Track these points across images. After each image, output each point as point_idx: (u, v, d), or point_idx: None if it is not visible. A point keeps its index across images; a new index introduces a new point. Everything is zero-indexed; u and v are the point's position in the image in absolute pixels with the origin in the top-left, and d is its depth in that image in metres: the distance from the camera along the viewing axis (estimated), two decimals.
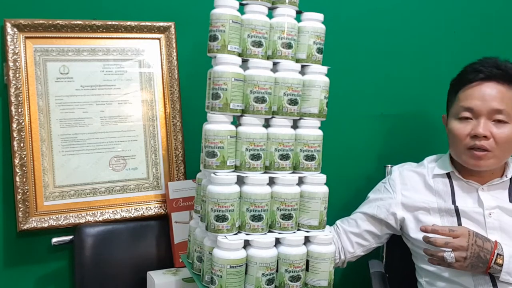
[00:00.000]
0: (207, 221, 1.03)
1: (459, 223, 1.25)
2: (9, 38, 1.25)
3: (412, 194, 1.31)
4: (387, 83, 1.66)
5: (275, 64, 1.08)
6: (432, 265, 1.22)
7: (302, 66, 1.09)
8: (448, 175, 1.31)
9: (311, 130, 1.08)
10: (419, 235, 1.26)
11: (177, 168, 1.40)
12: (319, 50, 1.10)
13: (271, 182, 1.06)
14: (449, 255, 1.13)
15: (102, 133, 1.34)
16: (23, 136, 1.26)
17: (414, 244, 1.31)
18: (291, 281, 1.03)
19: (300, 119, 1.09)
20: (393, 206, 1.31)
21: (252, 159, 1.04)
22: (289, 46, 1.07)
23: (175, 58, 1.40)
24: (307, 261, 1.05)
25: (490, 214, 1.24)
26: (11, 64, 1.25)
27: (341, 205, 1.63)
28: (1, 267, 1.31)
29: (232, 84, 1.02)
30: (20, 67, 1.26)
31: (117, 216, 1.33)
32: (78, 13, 1.33)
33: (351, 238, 1.33)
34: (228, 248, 0.99)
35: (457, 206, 1.26)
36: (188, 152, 1.41)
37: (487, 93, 1.21)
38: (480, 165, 1.23)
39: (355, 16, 1.61)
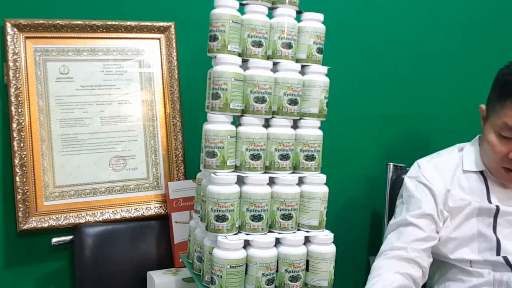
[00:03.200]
0: (207, 221, 1.03)
1: (494, 225, 1.19)
2: (9, 38, 1.25)
3: (449, 188, 1.21)
4: (387, 83, 1.66)
5: (275, 64, 1.08)
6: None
7: (302, 66, 1.09)
8: (481, 172, 1.23)
9: (311, 130, 1.08)
10: (447, 232, 1.19)
11: (177, 168, 1.40)
12: (319, 50, 1.10)
13: (271, 182, 1.05)
14: None
15: (102, 133, 1.33)
16: (23, 136, 1.26)
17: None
18: (291, 281, 1.03)
19: (300, 119, 1.09)
20: (439, 202, 1.20)
21: (252, 159, 1.04)
22: (289, 46, 1.07)
23: (175, 58, 1.40)
24: (307, 261, 1.05)
25: None
26: (11, 64, 1.25)
27: (341, 205, 1.63)
28: (1, 267, 1.31)
29: (232, 84, 1.02)
30: (20, 67, 1.26)
31: (117, 216, 1.33)
32: (78, 13, 1.33)
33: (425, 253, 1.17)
34: (228, 248, 0.99)
35: (498, 206, 1.19)
36: (188, 152, 1.41)
37: None
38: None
39: (355, 16, 1.61)
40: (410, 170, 1.29)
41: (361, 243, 1.70)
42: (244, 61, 1.06)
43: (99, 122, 1.33)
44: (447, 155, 1.28)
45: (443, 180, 1.22)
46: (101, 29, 1.33)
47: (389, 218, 1.47)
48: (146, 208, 1.36)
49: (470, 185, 1.22)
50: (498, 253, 1.17)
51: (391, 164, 1.51)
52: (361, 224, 1.69)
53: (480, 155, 1.24)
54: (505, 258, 1.16)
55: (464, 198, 1.20)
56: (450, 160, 1.26)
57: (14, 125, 1.25)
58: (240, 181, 1.04)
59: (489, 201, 1.20)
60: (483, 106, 1.22)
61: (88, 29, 1.33)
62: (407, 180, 1.27)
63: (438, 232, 1.20)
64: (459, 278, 1.20)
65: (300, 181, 1.07)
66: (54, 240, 1.29)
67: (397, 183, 1.46)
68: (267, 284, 1.01)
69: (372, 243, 1.69)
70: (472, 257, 1.18)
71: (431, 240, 1.18)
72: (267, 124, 1.08)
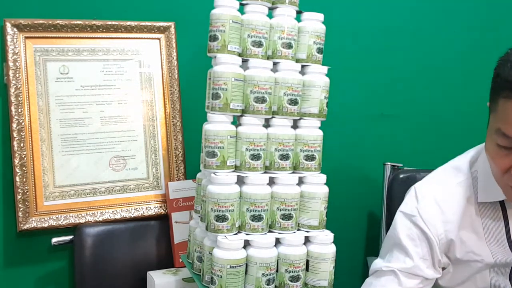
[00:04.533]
0: (207, 221, 1.03)
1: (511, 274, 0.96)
2: (9, 38, 1.25)
3: (453, 238, 0.96)
4: (387, 83, 1.66)
5: (275, 64, 1.08)
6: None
7: (302, 66, 1.09)
8: (501, 202, 0.97)
9: (311, 130, 1.08)
10: (450, 282, 1.00)
11: (177, 168, 1.40)
12: (319, 50, 1.10)
13: (271, 182, 1.05)
14: None
15: (102, 133, 1.33)
16: (23, 136, 1.26)
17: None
18: (291, 281, 1.03)
19: (300, 119, 1.09)
20: (436, 252, 0.96)
21: (252, 159, 1.04)
22: (289, 46, 1.07)
23: (175, 58, 1.40)
24: (307, 261, 1.05)
25: None
26: (11, 64, 1.25)
27: (341, 205, 1.63)
28: (1, 267, 1.31)
29: (232, 84, 1.02)
30: (20, 67, 1.26)
31: (117, 216, 1.33)
32: (78, 13, 1.33)
33: None
34: (228, 248, 0.99)
35: None
36: (188, 152, 1.41)
37: None
38: None
39: (355, 16, 1.61)
40: (406, 200, 1.02)
41: (358, 243, 1.70)
42: (244, 61, 1.06)
43: (99, 122, 1.33)
44: (455, 178, 1.00)
45: (447, 225, 0.96)
46: (101, 29, 1.33)
47: (387, 218, 1.47)
48: (146, 208, 1.36)
49: (485, 226, 0.97)
50: None
51: (388, 163, 1.51)
52: (359, 224, 1.69)
53: None
54: None
55: (476, 251, 0.96)
56: (459, 189, 0.98)
57: (14, 125, 1.25)
58: (240, 181, 1.04)
59: (510, 245, 0.96)
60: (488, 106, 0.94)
61: (88, 29, 1.33)
62: (399, 216, 1.00)
63: (426, 279, 0.98)
64: None
65: (300, 181, 1.07)
66: (54, 240, 1.29)
67: (394, 183, 1.45)
68: (267, 284, 1.01)
69: (370, 243, 1.69)
70: None
71: None
72: (267, 124, 1.08)
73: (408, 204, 1.00)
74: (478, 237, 0.97)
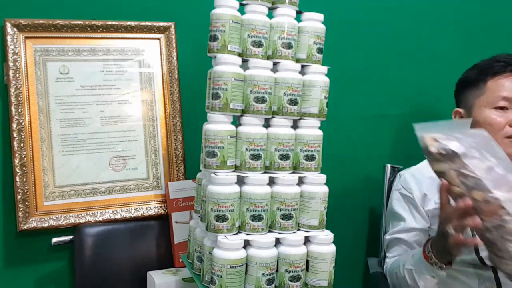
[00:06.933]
0: (207, 221, 1.03)
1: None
2: (9, 38, 1.26)
3: (426, 192, 1.28)
4: (387, 83, 1.66)
5: (275, 64, 1.08)
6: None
7: (302, 66, 1.09)
8: None
9: (311, 130, 1.08)
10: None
11: (177, 168, 1.40)
12: (319, 50, 1.10)
13: (271, 182, 1.05)
14: None
15: (102, 133, 1.34)
16: (23, 136, 1.26)
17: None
18: (291, 281, 1.03)
19: (300, 119, 1.09)
20: (419, 206, 1.29)
21: (252, 159, 1.04)
22: (289, 46, 1.07)
23: (175, 58, 1.40)
24: (307, 261, 1.05)
25: None
26: (11, 64, 1.25)
27: (341, 205, 1.63)
28: (1, 267, 1.31)
29: (232, 84, 1.02)
30: (20, 67, 1.26)
31: (117, 216, 1.33)
32: (78, 13, 1.33)
33: None
34: (228, 248, 0.99)
35: None
36: (188, 152, 1.41)
37: None
38: None
39: (355, 16, 1.61)
40: (395, 183, 1.38)
41: (359, 243, 1.70)
42: (244, 61, 1.06)
43: (99, 122, 1.33)
44: (424, 162, 1.32)
45: (419, 186, 1.30)
46: (101, 29, 1.34)
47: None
48: (146, 208, 1.36)
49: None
50: (476, 253, 1.19)
51: (388, 165, 1.52)
52: (359, 224, 1.69)
53: None
54: (480, 259, 1.19)
55: (437, 201, 1.21)
56: (426, 166, 1.26)
57: (14, 125, 1.25)
58: (240, 181, 1.04)
59: None
60: (459, 109, 1.34)
61: (88, 29, 1.33)
62: (392, 192, 1.36)
63: (421, 230, 1.28)
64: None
65: (300, 181, 1.07)
66: (54, 240, 1.29)
67: None
68: (267, 284, 1.01)
69: (370, 243, 1.69)
70: None
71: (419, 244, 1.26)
72: (267, 124, 1.08)
73: (395, 183, 1.37)
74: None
